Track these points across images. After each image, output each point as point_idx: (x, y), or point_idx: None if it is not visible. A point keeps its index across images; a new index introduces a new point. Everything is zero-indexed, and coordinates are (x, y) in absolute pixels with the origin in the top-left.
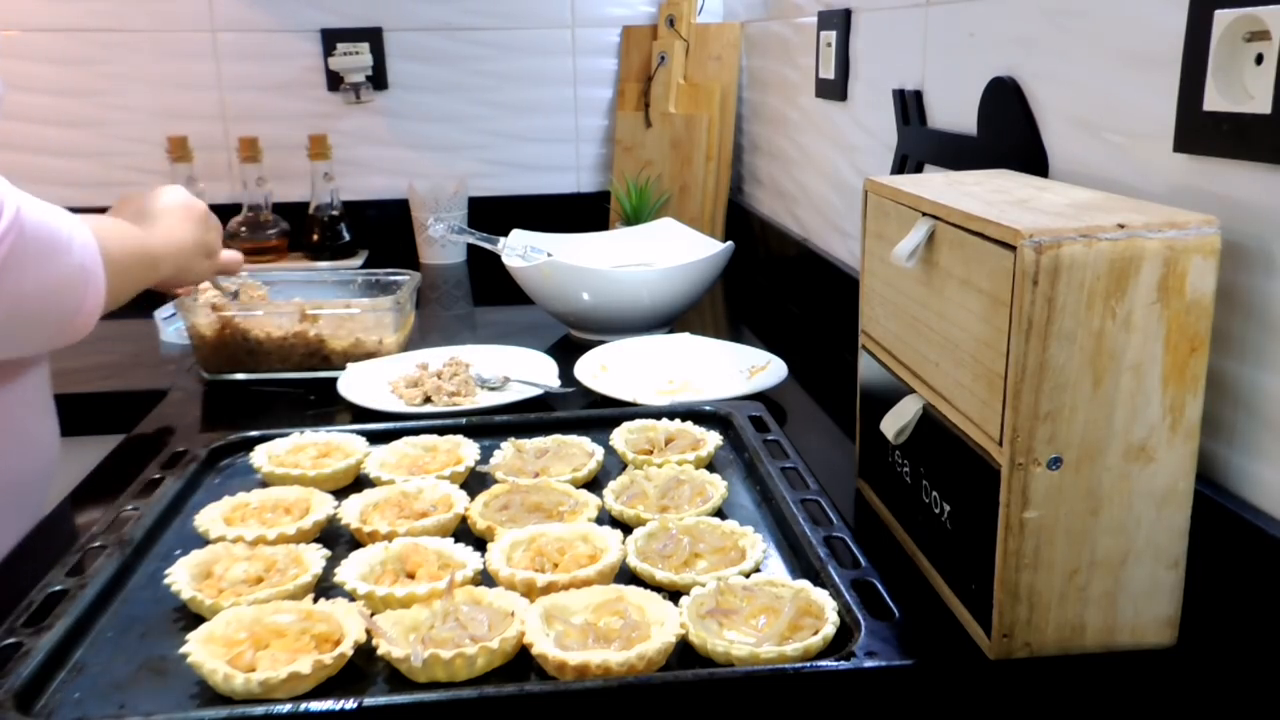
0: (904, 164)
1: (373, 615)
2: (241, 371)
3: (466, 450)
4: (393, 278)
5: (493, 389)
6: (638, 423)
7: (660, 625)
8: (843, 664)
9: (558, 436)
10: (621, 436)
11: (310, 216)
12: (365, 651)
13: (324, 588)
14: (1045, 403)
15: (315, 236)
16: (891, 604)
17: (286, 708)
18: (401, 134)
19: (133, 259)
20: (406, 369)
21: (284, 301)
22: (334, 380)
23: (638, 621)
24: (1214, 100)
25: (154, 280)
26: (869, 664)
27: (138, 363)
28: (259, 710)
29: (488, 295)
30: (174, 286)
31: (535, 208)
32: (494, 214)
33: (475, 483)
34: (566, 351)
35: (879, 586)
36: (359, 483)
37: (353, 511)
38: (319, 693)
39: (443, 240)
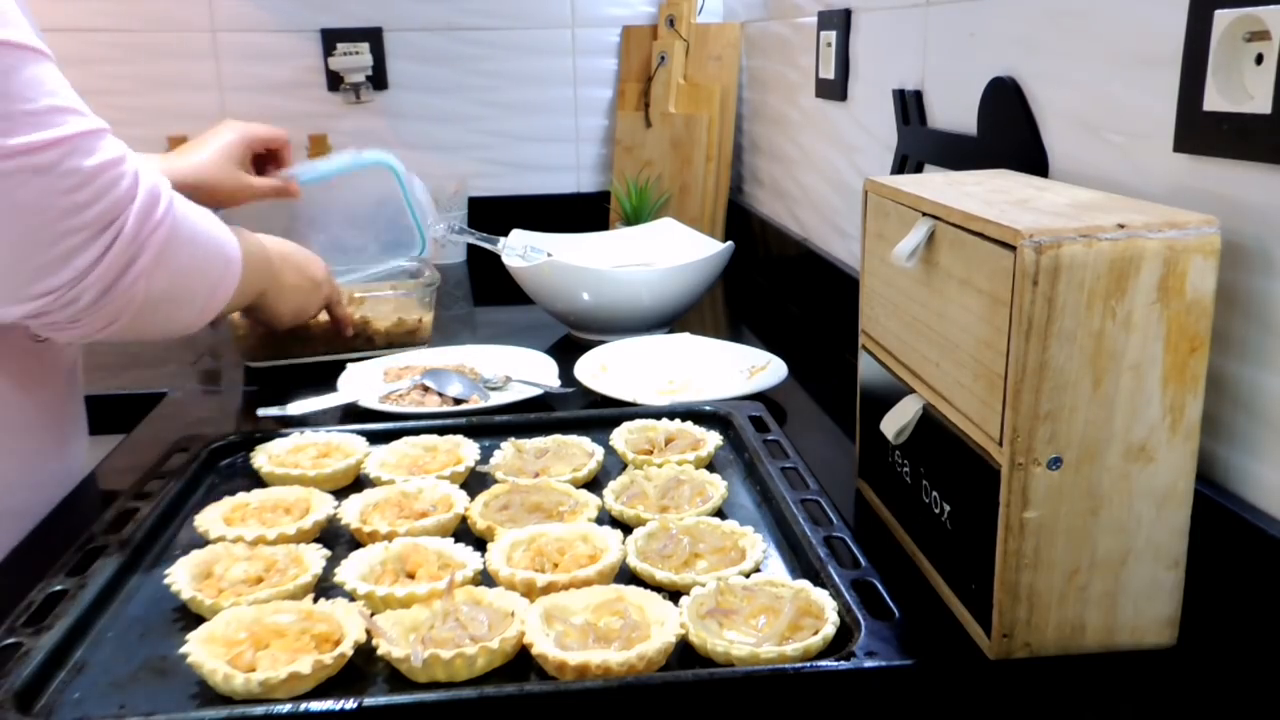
0: (904, 164)
1: (373, 615)
2: (287, 358)
3: (466, 450)
4: (402, 266)
5: (493, 389)
6: (638, 423)
7: (660, 625)
8: (843, 664)
9: (558, 436)
10: (621, 436)
11: None
12: (365, 651)
13: (324, 588)
14: (1045, 403)
15: None
16: (891, 604)
17: (286, 708)
18: (401, 134)
19: (257, 262)
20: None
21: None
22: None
23: (638, 621)
24: (1214, 100)
25: (263, 284)
26: (869, 664)
27: (137, 363)
28: (259, 710)
29: (488, 295)
30: (281, 317)
31: (535, 208)
32: (494, 214)
33: (475, 483)
34: (566, 351)
35: (879, 586)
36: (359, 483)
37: (353, 511)
38: (319, 693)
39: (443, 240)
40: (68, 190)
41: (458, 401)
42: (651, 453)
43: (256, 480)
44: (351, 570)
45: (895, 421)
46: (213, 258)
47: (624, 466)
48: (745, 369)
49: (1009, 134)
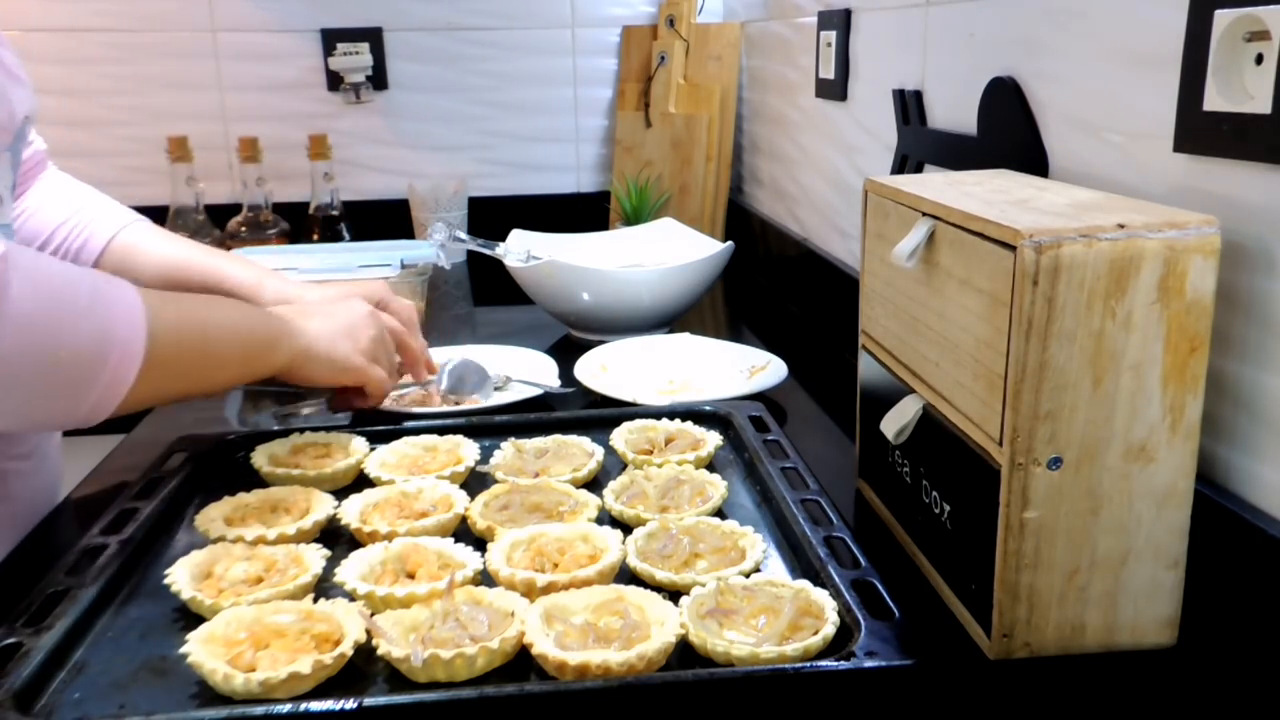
0: (904, 164)
1: (373, 615)
2: None
3: (466, 450)
4: (387, 262)
5: (494, 389)
6: (638, 423)
7: (660, 625)
8: (843, 664)
9: (558, 436)
10: (621, 436)
11: (310, 216)
12: (365, 651)
13: (324, 588)
14: (1045, 403)
15: (315, 236)
16: (891, 604)
17: (286, 708)
18: (401, 134)
19: (226, 334)
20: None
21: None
22: None
23: (638, 621)
24: (1214, 100)
25: (266, 365)
26: (869, 664)
27: None
28: (259, 710)
29: (488, 295)
30: (310, 382)
31: (535, 208)
32: (494, 214)
33: (475, 483)
34: (566, 351)
35: (879, 586)
36: (359, 483)
37: (353, 511)
38: (319, 693)
39: (442, 246)
40: None
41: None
42: (651, 453)
43: (256, 480)
44: (351, 570)
45: (895, 421)
46: (66, 346)
47: (624, 466)
48: (745, 369)
49: (1009, 134)
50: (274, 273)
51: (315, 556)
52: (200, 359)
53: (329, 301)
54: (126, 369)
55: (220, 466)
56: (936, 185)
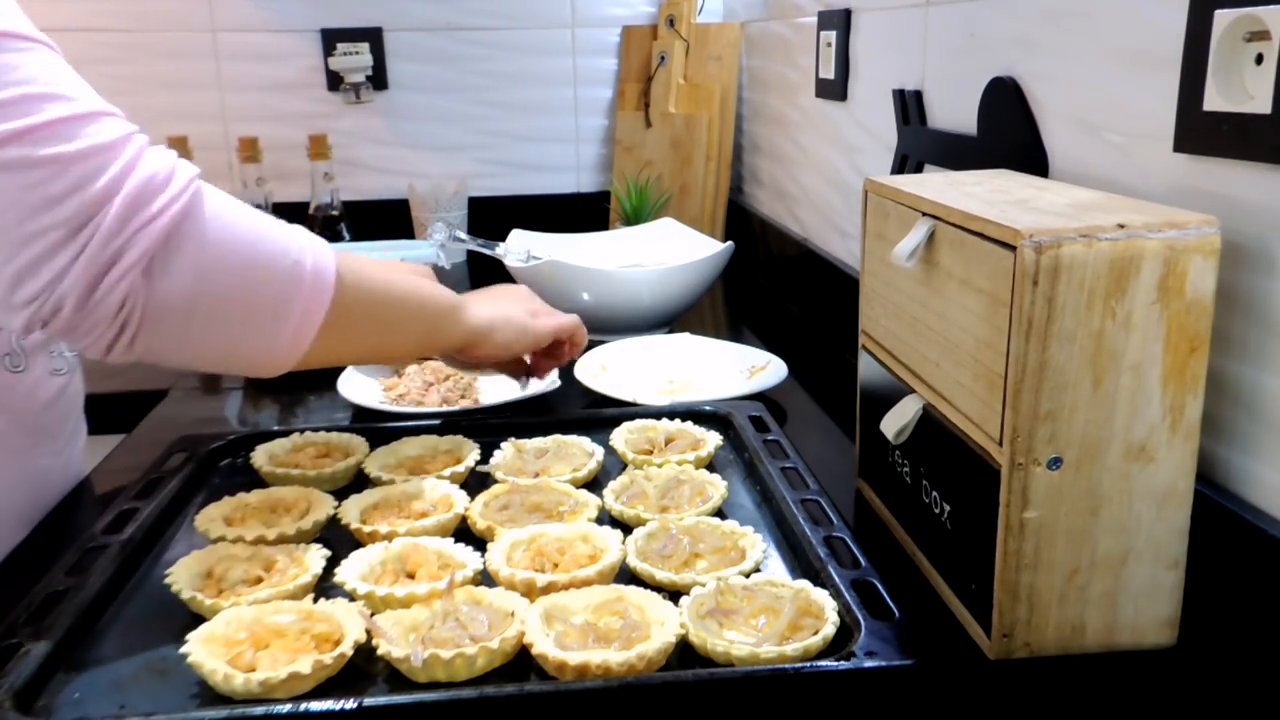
0: (904, 164)
1: (373, 615)
2: None
3: (466, 450)
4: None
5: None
6: (638, 423)
7: (660, 625)
8: (843, 664)
9: (558, 436)
10: (621, 436)
11: (310, 216)
12: (365, 651)
13: (324, 588)
14: (1045, 403)
15: None
16: (891, 604)
17: (286, 708)
18: (401, 134)
19: (409, 295)
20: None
21: None
22: None
23: (638, 621)
24: (1214, 100)
25: (445, 339)
26: (869, 664)
27: (138, 363)
28: (259, 710)
29: None
30: (484, 358)
31: (535, 208)
32: (494, 214)
33: (475, 483)
34: None
35: (879, 586)
36: (359, 483)
37: (353, 511)
38: (319, 693)
39: (442, 246)
40: (37, 184)
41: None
42: (651, 453)
43: (256, 480)
44: (351, 570)
45: (895, 421)
46: (264, 266)
47: (624, 466)
48: (745, 369)
49: (1009, 134)
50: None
51: (315, 556)
52: (385, 313)
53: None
54: (319, 299)
55: (220, 466)
56: (936, 185)
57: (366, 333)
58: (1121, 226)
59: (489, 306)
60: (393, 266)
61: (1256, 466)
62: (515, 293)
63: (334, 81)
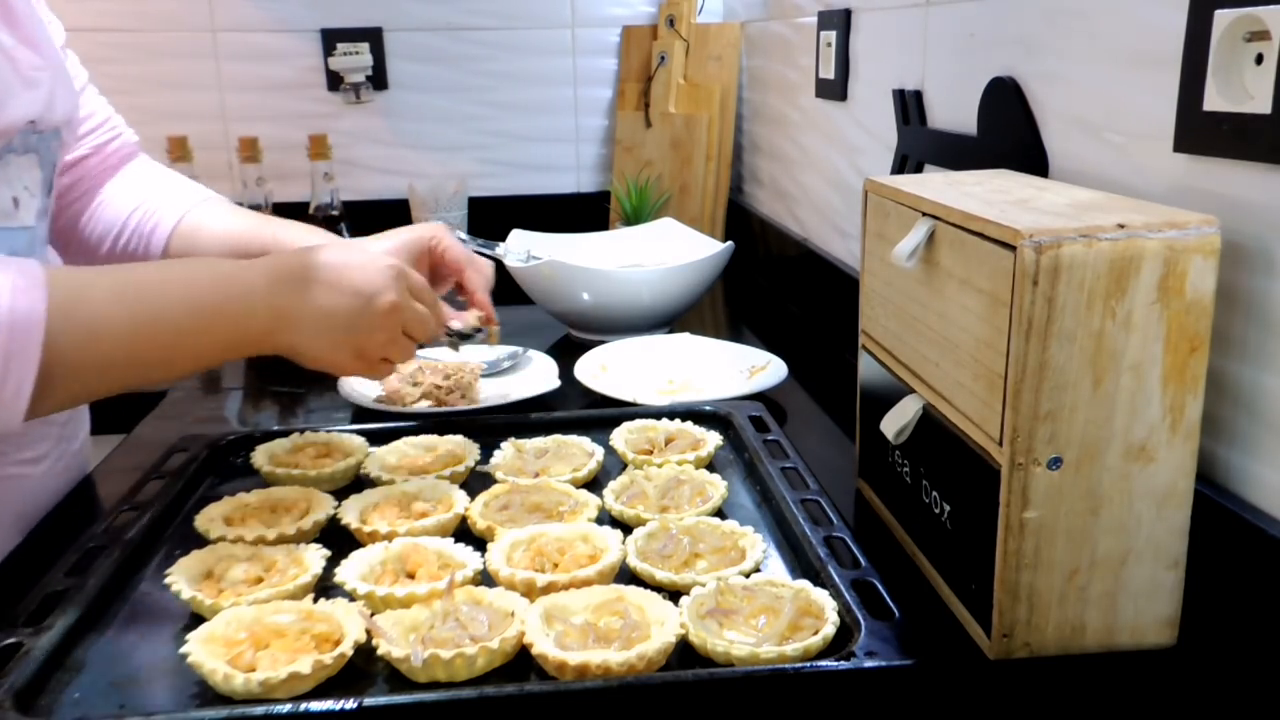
0: (904, 164)
1: (373, 615)
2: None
3: (466, 450)
4: None
5: (465, 336)
6: (638, 423)
7: (660, 625)
8: (843, 664)
9: (558, 436)
10: (621, 436)
11: (310, 216)
12: (365, 651)
13: (324, 588)
14: (1045, 403)
15: None
16: (891, 604)
17: (286, 708)
18: (401, 134)
19: (157, 316)
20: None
21: None
22: None
23: (638, 621)
24: (1214, 100)
25: (240, 351)
26: (869, 664)
27: None
28: (259, 710)
29: None
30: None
31: (535, 208)
32: (494, 214)
33: (475, 483)
34: (566, 351)
35: (879, 586)
36: (359, 483)
37: (353, 511)
38: (319, 693)
39: None
40: None
41: (462, 337)
42: (651, 453)
43: (256, 480)
44: (351, 570)
45: (895, 421)
46: None
47: (624, 466)
48: (745, 369)
49: (1009, 134)
50: (338, 237)
51: (315, 556)
52: (129, 343)
53: (351, 268)
54: (26, 352)
55: (220, 466)
56: (936, 185)
57: (112, 367)
58: (1121, 226)
59: (313, 326)
60: (168, 285)
61: (1256, 466)
62: (366, 306)
63: (334, 81)
